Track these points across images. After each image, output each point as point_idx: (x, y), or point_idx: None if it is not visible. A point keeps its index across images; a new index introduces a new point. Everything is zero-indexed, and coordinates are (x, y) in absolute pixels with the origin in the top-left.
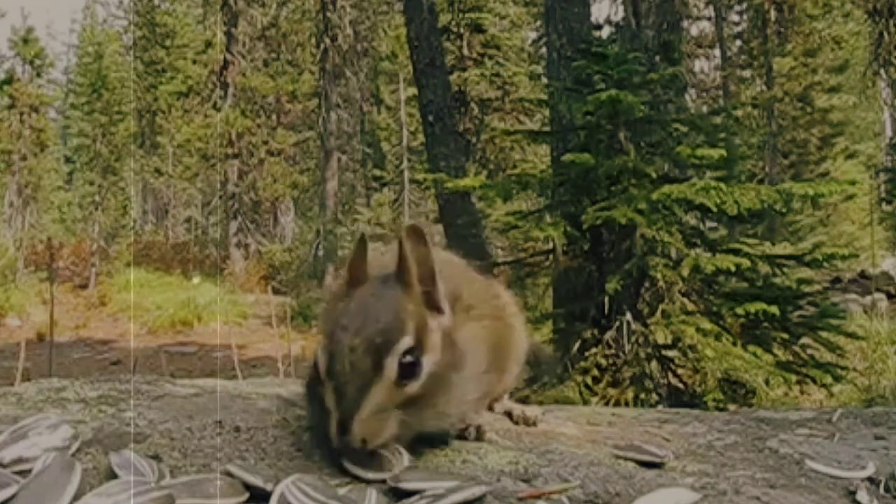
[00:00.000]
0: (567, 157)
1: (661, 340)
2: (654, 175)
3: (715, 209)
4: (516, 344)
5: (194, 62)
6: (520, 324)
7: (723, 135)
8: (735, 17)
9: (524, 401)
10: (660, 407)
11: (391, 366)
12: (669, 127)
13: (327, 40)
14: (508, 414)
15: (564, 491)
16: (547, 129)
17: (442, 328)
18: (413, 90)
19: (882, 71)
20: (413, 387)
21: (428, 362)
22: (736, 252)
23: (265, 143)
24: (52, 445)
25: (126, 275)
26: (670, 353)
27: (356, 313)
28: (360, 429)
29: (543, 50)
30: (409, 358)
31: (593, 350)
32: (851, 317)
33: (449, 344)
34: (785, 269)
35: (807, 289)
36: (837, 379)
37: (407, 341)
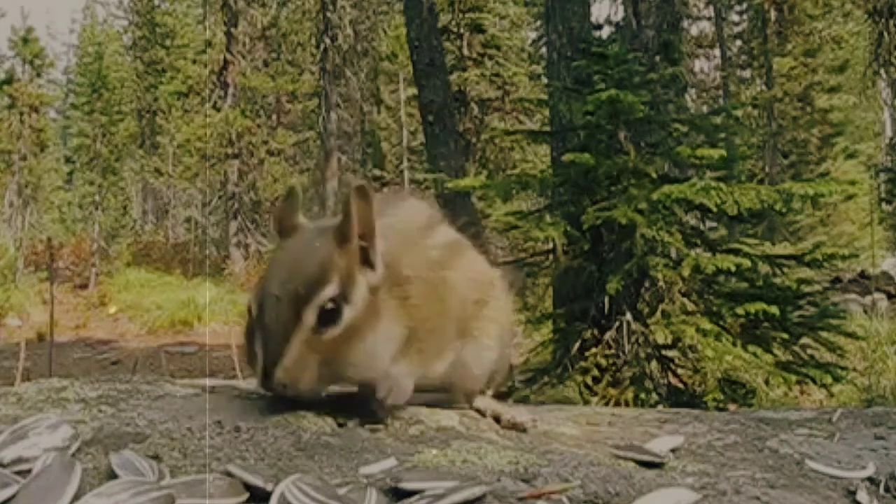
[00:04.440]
0: (567, 157)
1: (661, 340)
2: (654, 175)
3: (715, 209)
4: (449, 327)
5: (194, 62)
6: (490, 313)
7: (723, 135)
8: (735, 17)
9: (523, 401)
10: (660, 407)
11: (310, 316)
12: (669, 127)
13: (327, 40)
14: (496, 419)
15: (564, 491)
16: (547, 129)
17: (370, 285)
18: (413, 90)
19: (882, 71)
20: (332, 333)
21: (349, 313)
22: (736, 252)
23: (265, 143)
24: (52, 445)
25: (126, 275)
26: (670, 353)
27: (283, 264)
28: (282, 375)
29: (543, 50)
30: (330, 305)
31: (593, 350)
32: (851, 317)
33: (372, 302)
34: (785, 269)
35: (807, 289)
36: (837, 379)
37: (330, 290)
